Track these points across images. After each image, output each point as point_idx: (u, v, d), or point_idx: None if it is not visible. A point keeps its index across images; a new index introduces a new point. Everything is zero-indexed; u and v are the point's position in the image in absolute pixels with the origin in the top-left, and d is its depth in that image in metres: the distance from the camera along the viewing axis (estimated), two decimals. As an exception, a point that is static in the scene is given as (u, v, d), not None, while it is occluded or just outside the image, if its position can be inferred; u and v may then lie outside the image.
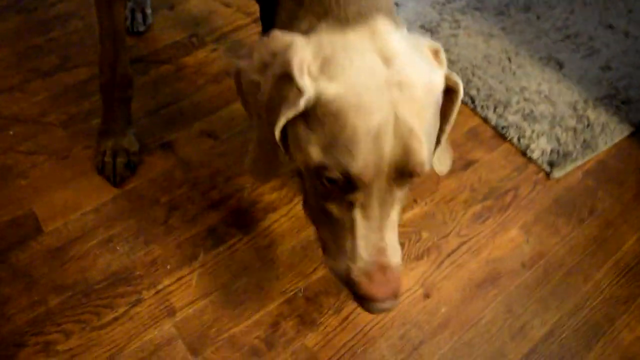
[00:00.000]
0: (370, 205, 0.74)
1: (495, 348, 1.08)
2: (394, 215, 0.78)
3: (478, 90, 1.39)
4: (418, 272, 1.16)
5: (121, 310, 1.08)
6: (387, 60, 0.72)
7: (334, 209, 0.78)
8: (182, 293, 1.10)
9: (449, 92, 0.80)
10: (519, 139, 1.32)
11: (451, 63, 1.44)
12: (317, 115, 0.71)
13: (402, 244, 1.18)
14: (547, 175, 1.30)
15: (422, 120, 0.72)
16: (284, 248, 1.17)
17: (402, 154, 0.71)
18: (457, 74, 1.43)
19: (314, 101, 0.71)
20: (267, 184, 0.98)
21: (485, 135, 1.36)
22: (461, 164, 1.31)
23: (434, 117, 0.76)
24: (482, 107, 1.36)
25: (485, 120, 1.36)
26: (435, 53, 0.80)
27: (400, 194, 0.77)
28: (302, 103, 0.70)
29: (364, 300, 0.78)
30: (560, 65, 1.47)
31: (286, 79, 0.72)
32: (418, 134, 0.71)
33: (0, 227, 1.16)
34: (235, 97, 0.85)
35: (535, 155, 1.29)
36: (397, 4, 1.59)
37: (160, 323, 1.06)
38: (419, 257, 1.17)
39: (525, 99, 1.39)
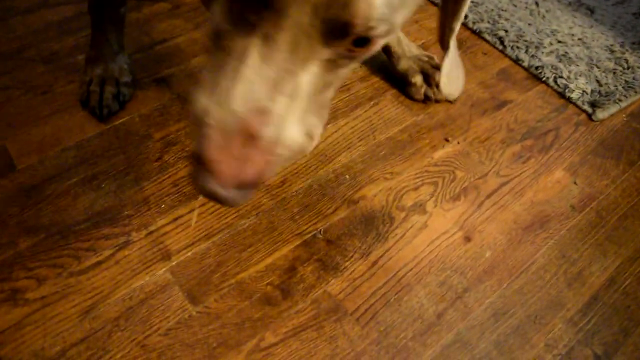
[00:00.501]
0: (276, 40, 0.49)
1: (551, 296, 0.92)
2: (303, 79, 0.52)
3: (506, 31, 1.26)
4: (455, 213, 1.00)
5: (106, 253, 0.90)
6: None
7: (230, 30, 0.52)
8: (179, 235, 0.93)
9: None
10: (555, 80, 1.18)
11: (475, 5, 1.32)
12: None
13: (434, 183, 1.06)
14: (589, 116, 1.16)
15: None
16: (298, 186, 1.00)
17: None
18: (482, 15, 1.31)
19: None
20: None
21: (517, 76, 1.23)
22: (494, 104, 1.17)
23: None
24: (512, 47, 1.23)
25: (517, 61, 1.22)
26: None
27: (323, 56, 0.52)
28: None
29: (201, 167, 0.52)
30: (591, 11, 1.35)
31: None
32: None
33: (-36, 163, 0.99)
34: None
35: (575, 95, 1.16)
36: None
37: (153, 268, 0.89)
38: (455, 198, 1.01)
39: (559, 41, 1.26)
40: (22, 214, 0.93)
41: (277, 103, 0.51)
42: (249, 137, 0.51)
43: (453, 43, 0.72)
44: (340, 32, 0.49)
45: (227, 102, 0.50)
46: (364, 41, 0.50)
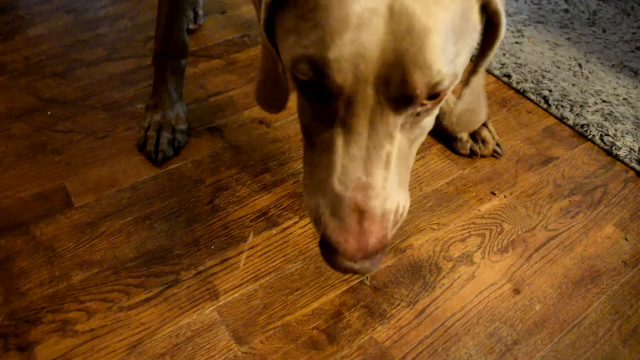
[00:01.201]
0: (354, 125, 0.55)
1: (605, 352, 0.88)
2: (390, 148, 0.57)
3: (550, 91, 1.28)
4: (503, 265, 0.98)
5: (155, 290, 0.91)
6: None
7: (315, 127, 0.59)
8: (227, 276, 0.94)
9: (490, 27, 0.61)
10: (601, 138, 1.19)
11: (518, 66, 1.36)
12: None
13: (481, 235, 1.05)
14: (638, 174, 1.15)
15: (433, 19, 0.51)
16: (345, 233, 1.01)
17: (396, 56, 0.51)
18: (526, 75, 1.34)
19: None
20: (276, 114, 0.79)
21: (563, 134, 1.23)
22: (540, 160, 1.17)
23: (456, 29, 0.54)
24: (556, 106, 1.25)
25: (562, 119, 1.23)
26: None
27: (399, 122, 0.56)
28: None
29: (329, 251, 0.57)
30: (634, 73, 1.36)
31: None
32: (421, 32, 0.51)
33: (26, 200, 1.03)
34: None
35: (622, 153, 1.16)
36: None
37: (201, 307, 0.89)
38: (502, 250, 1.00)
39: (603, 101, 1.27)
40: (77, 248, 0.96)
41: (375, 177, 0.56)
42: (361, 213, 0.56)
43: (478, 80, 0.71)
44: (408, 102, 0.54)
45: (330, 191, 0.57)
46: (434, 96, 0.55)
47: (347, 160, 0.56)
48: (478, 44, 0.62)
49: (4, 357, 0.82)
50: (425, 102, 0.55)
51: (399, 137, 0.57)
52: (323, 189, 0.58)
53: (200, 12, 1.45)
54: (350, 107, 0.54)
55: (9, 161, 1.11)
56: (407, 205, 0.63)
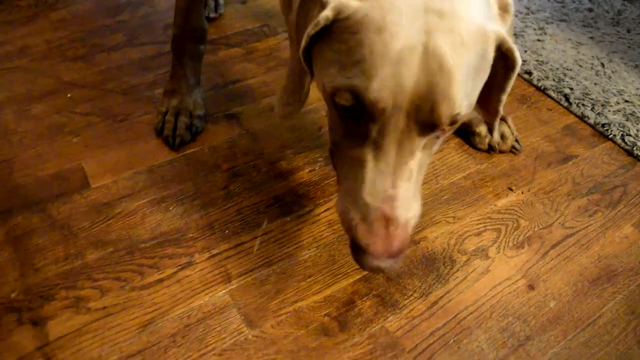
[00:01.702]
0: (384, 144, 0.64)
1: (620, 352, 0.87)
2: (413, 164, 0.66)
3: (572, 89, 1.27)
4: (518, 261, 0.97)
5: (168, 271, 0.91)
6: None
7: (348, 145, 0.68)
8: (241, 260, 0.94)
9: (506, 63, 0.69)
10: (622, 137, 1.17)
11: (540, 63, 1.34)
12: (338, 32, 0.63)
13: (497, 230, 1.04)
14: (659, 175, 1.14)
15: (460, 59, 0.60)
16: (360, 222, 1.00)
17: (427, 91, 0.59)
18: (547, 73, 1.33)
19: (335, 16, 0.62)
20: (289, 118, 0.85)
21: (583, 133, 1.22)
22: (559, 157, 1.16)
23: (477, 67, 0.63)
24: (577, 105, 1.23)
25: (582, 118, 1.22)
26: (504, 8, 0.68)
27: (422, 143, 0.65)
28: (322, 17, 0.62)
29: (359, 252, 0.67)
30: (658, 75, 1.35)
31: None
32: (450, 73, 0.59)
33: (44, 179, 1.04)
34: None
35: (644, 154, 1.14)
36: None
37: (213, 289, 0.89)
38: (518, 246, 0.99)
39: (626, 101, 1.25)
40: (92, 228, 0.97)
41: (400, 189, 0.66)
42: (387, 220, 0.65)
43: (501, 108, 0.78)
44: (432, 127, 0.63)
45: (361, 200, 0.66)
46: (452, 123, 0.64)
47: (376, 174, 0.66)
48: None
49: (18, 331, 0.83)
50: (445, 127, 0.64)
51: (419, 156, 0.67)
52: (354, 198, 0.67)
53: (221, 1, 1.46)
54: (384, 130, 0.63)
55: (28, 141, 1.12)
56: (420, 211, 0.71)
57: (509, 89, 0.74)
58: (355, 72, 0.60)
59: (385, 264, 0.66)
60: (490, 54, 0.66)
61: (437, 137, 0.68)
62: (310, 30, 0.63)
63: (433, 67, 0.59)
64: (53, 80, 1.26)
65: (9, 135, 1.13)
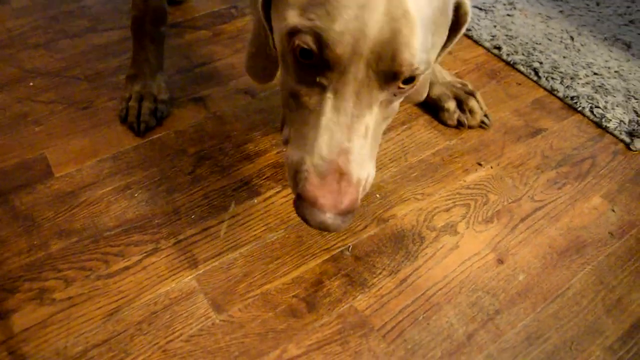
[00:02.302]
0: (343, 94, 0.62)
1: (589, 322, 0.87)
2: (370, 119, 0.64)
3: (541, 63, 1.26)
4: (487, 235, 0.97)
5: (134, 259, 0.90)
6: None
7: (304, 92, 0.65)
8: (207, 245, 0.93)
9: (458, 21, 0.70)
10: (591, 110, 1.17)
11: (509, 38, 1.33)
12: None
13: (466, 205, 1.04)
14: (627, 146, 1.13)
15: (423, 9, 0.60)
16: (328, 203, 1.00)
17: (389, 38, 0.58)
18: (517, 47, 1.32)
19: None
20: (264, 84, 0.84)
21: (552, 106, 1.22)
22: (528, 132, 1.15)
23: (437, 22, 0.63)
24: (546, 78, 1.23)
25: (552, 91, 1.21)
26: None
27: (380, 97, 0.64)
28: None
29: (306, 205, 0.63)
30: (627, 46, 1.34)
31: None
32: (413, 20, 0.58)
33: (6, 170, 1.01)
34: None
35: (612, 125, 1.14)
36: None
37: (179, 275, 0.88)
38: (487, 220, 0.99)
39: (595, 73, 1.25)
40: (56, 218, 0.95)
41: (355, 143, 0.64)
42: (340, 174, 0.63)
43: (440, 57, 0.78)
44: (392, 78, 0.62)
45: (317, 150, 0.63)
46: (409, 80, 0.63)
47: (332, 125, 0.63)
48: None
49: (-20, 324, 0.81)
50: (402, 85, 0.63)
51: (376, 112, 0.65)
52: (310, 147, 0.64)
53: (187, -17, 1.43)
54: (342, 79, 0.61)
55: (-11, 132, 1.09)
56: (373, 176, 0.69)
57: (452, 45, 0.75)
58: (318, 13, 0.59)
59: (331, 220, 0.63)
60: (450, 12, 0.66)
61: (394, 96, 0.66)
62: None
63: (397, 14, 0.58)
64: (15, 68, 1.23)
65: (-30, 126, 1.10)
